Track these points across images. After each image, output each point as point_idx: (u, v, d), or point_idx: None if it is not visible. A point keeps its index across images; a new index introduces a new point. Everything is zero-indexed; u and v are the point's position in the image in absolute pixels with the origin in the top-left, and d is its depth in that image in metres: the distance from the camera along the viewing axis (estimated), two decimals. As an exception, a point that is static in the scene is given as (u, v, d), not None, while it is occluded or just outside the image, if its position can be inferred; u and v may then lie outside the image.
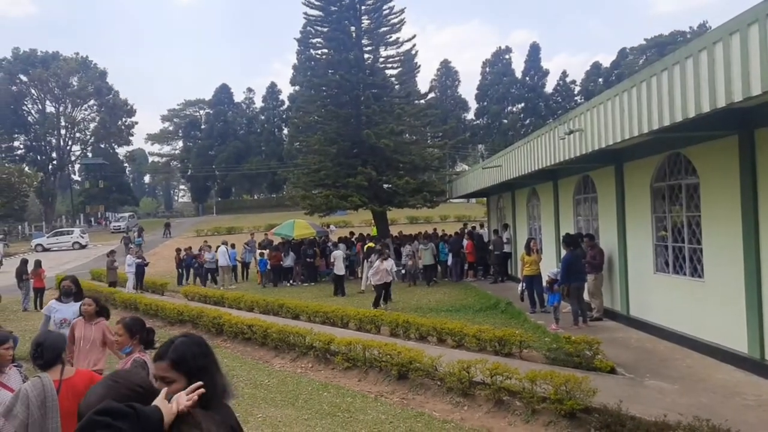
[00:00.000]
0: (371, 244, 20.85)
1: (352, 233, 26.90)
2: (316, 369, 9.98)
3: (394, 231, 28.28)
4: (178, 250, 24.86)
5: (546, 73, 78.43)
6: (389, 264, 15.43)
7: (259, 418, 7.60)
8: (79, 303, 6.85)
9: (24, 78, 72.03)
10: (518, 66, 79.17)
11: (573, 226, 14.15)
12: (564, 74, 78.98)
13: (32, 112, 75.13)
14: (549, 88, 78.59)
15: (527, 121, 75.53)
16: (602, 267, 12.05)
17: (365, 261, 19.89)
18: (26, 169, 65.62)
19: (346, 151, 25.96)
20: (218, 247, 23.15)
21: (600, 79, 73.64)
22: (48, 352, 3.80)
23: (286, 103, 78.60)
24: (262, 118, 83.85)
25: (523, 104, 77.68)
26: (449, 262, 21.35)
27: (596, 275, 12.00)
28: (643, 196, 10.78)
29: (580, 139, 9.86)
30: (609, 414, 6.11)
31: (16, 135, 73.38)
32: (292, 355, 10.75)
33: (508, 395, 7.32)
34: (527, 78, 77.54)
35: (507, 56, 79.53)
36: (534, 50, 78.13)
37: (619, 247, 11.72)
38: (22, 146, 75.39)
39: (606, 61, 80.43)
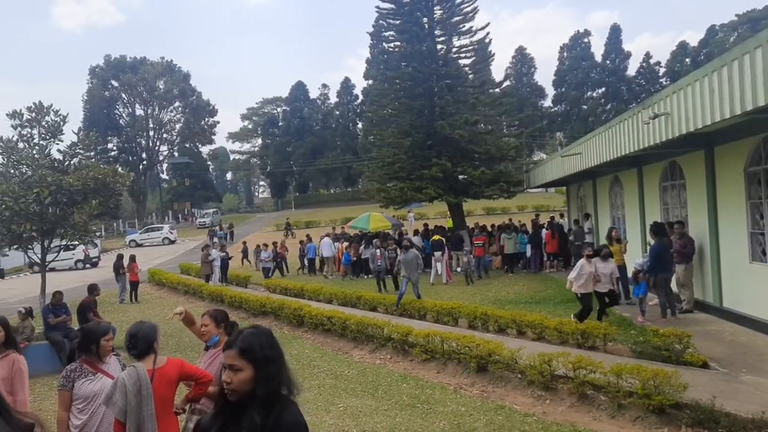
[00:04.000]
0: (437, 237, 20.78)
1: (426, 225, 26.86)
2: (395, 360, 10.07)
3: (473, 222, 27.98)
4: (275, 243, 25.91)
5: (628, 55, 75.10)
6: (608, 267, 11.14)
7: (340, 408, 7.75)
8: None
9: (115, 83, 76.61)
10: (598, 49, 76.32)
11: (659, 215, 13.53)
12: (647, 56, 75.31)
13: (123, 115, 79.74)
14: (631, 71, 75.23)
15: (608, 107, 72.70)
16: (692, 257, 11.46)
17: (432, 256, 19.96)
18: (119, 169, 69.54)
19: (421, 143, 25.90)
20: (321, 238, 24.80)
21: (687, 60, 69.69)
22: (141, 343, 4.01)
23: (360, 97, 79.33)
24: (337, 113, 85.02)
25: (603, 89, 74.76)
26: (528, 254, 20.99)
27: (686, 265, 11.42)
28: (736, 181, 10.15)
29: (666, 123, 9.39)
30: (701, 410, 5.83)
31: (110, 137, 77.92)
32: (371, 346, 10.88)
33: (592, 389, 7.12)
34: (608, 61, 74.53)
35: (586, 40, 76.78)
36: (614, 32, 74.98)
37: (710, 235, 11.10)
38: (115, 148, 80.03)
39: (693, 40, 76.33)
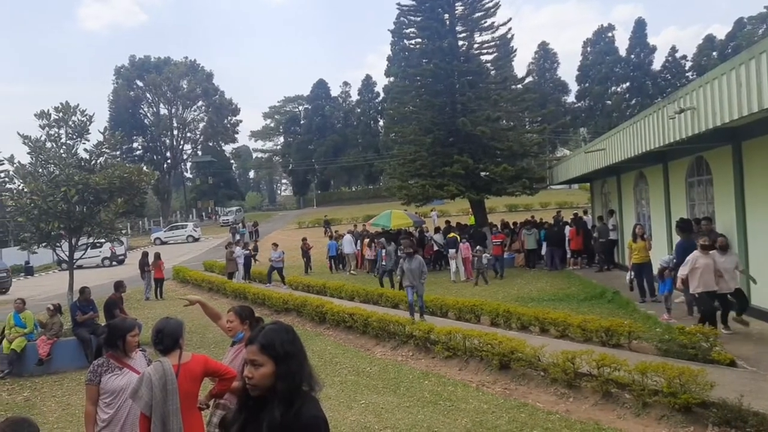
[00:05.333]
0: (453, 234, 20.68)
1: (448, 222, 26.79)
2: (417, 357, 10.06)
3: (495, 219, 27.83)
4: (304, 240, 26.20)
5: (653, 49, 73.95)
6: (730, 260, 9.55)
7: (362, 404, 7.78)
8: None
9: (140, 83, 77.73)
10: (622, 44, 75.28)
11: (686, 211, 13.32)
12: (673, 49, 74.02)
13: (148, 114, 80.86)
14: (657, 65, 74.03)
15: (633, 101, 71.64)
16: (720, 254, 11.24)
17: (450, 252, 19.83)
18: (144, 168, 70.52)
19: (442, 140, 25.81)
20: (343, 236, 25.24)
21: (714, 53, 68.40)
22: (167, 339, 4.07)
23: (381, 95, 79.31)
24: (358, 110, 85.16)
25: (628, 84, 73.73)
26: (543, 251, 20.92)
27: (713, 262, 11.21)
28: (765, 176, 9.93)
29: (692, 117, 9.23)
30: (729, 409, 5.74)
31: (135, 137, 79.00)
32: (393, 343, 10.89)
33: (616, 387, 7.04)
34: (632, 56, 73.44)
35: (609, 34, 75.78)
36: (639, 26, 73.85)
37: (738, 232, 10.89)
38: (140, 147, 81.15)
39: (721, 33, 74.59)
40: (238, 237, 31.64)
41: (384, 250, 19.52)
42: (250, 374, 2.31)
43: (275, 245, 23.25)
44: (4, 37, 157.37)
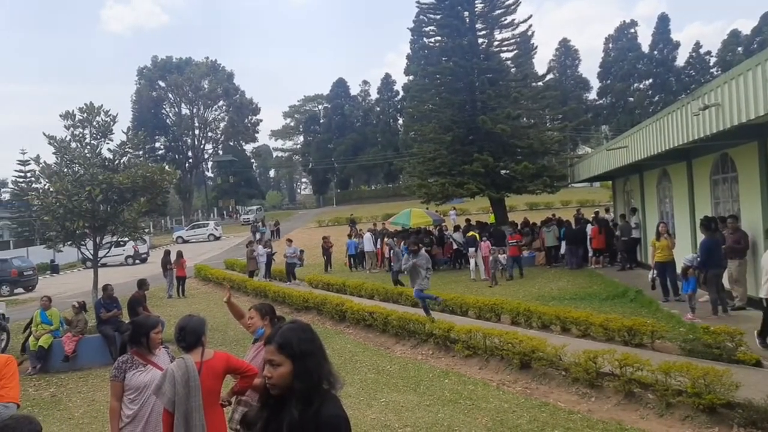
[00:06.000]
0: (473, 233, 20.58)
1: (468, 220, 26.71)
2: (437, 356, 10.05)
3: (517, 218, 27.66)
4: (324, 238, 26.27)
5: (677, 45, 72.78)
6: None
7: (382, 402, 7.79)
8: None
9: (162, 84, 78.63)
10: (645, 40, 74.24)
11: (710, 209, 13.10)
12: (697, 45, 72.78)
13: (170, 114, 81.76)
14: (680, 61, 72.80)
15: (656, 98, 70.62)
16: (746, 252, 11.05)
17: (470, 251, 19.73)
18: (167, 167, 71.36)
19: (462, 138, 25.74)
20: (363, 234, 25.38)
21: (739, 48, 67.07)
22: (190, 336, 4.11)
23: (401, 93, 79.18)
24: (378, 109, 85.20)
25: (651, 80, 72.68)
26: (562, 249, 20.74)
27: (740, 261, 11.00)
28: (793, 173, 9.75)
29: (716, 114, 9.08)
30: (755, 410, 5.65)
31: (157, 137, 79.92)
32: (413, 342, 10.89)
33: (639, 387, 6.97)
34: (655, 52, 72.39)
35: (632, 30, 74.81)
36: (662, 21, 72.76)
37: (764, 230, 10.69)
38: (162, 147, 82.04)
39: (746, 28, 73.20)
40: (258, 235, 31.88)
41: (392, 251, 19.45)
42: (270, 374, 2.33)
43: (289, 241, 23.45)
44: (32, 40, 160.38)
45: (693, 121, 10.01)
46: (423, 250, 12.53)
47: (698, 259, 11.00)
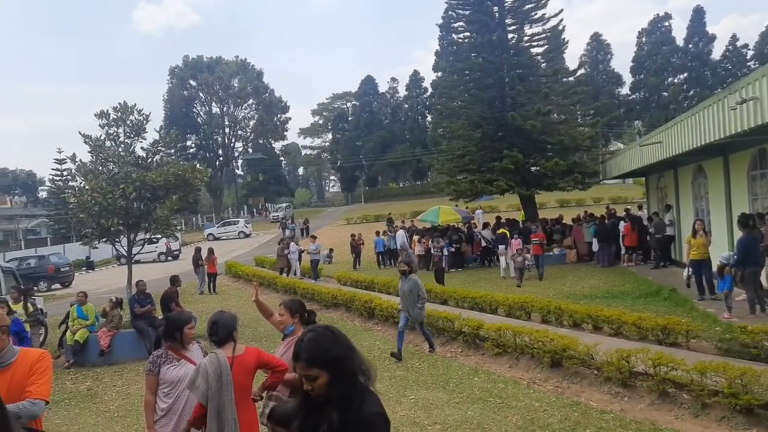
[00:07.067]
0: (503, 230, 20.37)
1: (499, 218, 26.52)
2: (466, 354, 10.01)
3: (548, 215, 27.36)
4: (353, 236, 26.33)
5: (712, 38, 71.06)
6: None
7: (411, 400, 7.79)
8: None
9: (193, 83, 79.72)
10: (679, 33, 72.54)
11: (748, 206, 12.77)
12: (734, 38, 70.91)
13: (201, 113, 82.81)
14: (716, 54, 71.00)
15: (691, 93, 69.06)
16: (785, 250, 10.75)
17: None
18: (198, 165, 72.40)
19: (491, 135, 25.53)
20: (396, 231, 25.06)
21: (778, 41, 65.33)
22: (222, 330, 4.17)
23: (429, 90, 78.94)
24: (406, 106, 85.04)
25: (686, 74, 71.08)
26: (594, 247, 20.43)
27: (778, 259, 10.74)
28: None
29: (754, 108, 8.84)
30: (795, 412, 5.49)
31: (188, 135, 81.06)
32: (442, 339, 10.86)
33: (673, 387, 6.84)
34: (690, 45, 70.75)
35: (666, 23, 73.20)
36: (698, 14, 71.07)
37: (805, 227, 10.39)
38: (193, 145, 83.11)
39: (785, 19, 71.04)
40: (288, 233, 32.11)
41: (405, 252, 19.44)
42: (310, 386, 2.29)
43: (314, 237, 23.56)
44: (67, 43, 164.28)
45: (730, 115, 9.78)
46: (414, 275, 10.61)
47: (735, 256, 10.74)
